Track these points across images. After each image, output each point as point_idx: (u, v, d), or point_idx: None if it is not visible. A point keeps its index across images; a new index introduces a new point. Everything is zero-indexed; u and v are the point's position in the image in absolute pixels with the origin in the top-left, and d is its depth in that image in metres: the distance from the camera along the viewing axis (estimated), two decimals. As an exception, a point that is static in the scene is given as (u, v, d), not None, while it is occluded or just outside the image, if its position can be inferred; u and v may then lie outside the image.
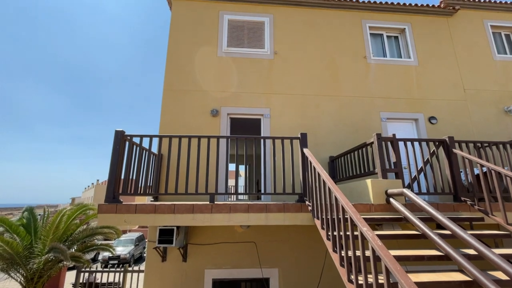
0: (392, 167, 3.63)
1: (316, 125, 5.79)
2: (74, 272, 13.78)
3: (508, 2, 7.23)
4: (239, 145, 8.45)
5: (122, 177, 3.43)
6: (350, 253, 2.18)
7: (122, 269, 5.84)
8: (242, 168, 12.14)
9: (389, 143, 3.76)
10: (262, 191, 3.93)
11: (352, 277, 2.09)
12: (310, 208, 3.19)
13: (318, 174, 2.84)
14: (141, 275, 6.05)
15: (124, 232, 22.23)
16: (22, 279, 8.61)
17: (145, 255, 20.37)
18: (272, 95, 5.95)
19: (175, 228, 4.23)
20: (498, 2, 7.19)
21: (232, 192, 5.48)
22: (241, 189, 10.21)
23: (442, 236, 2.37)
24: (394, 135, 3.68)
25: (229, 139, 3.69)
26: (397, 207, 2.96)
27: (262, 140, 4.54)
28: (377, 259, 1.76)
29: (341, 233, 2.29)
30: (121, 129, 3.47)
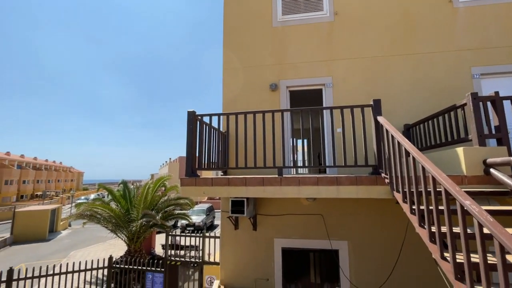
0: (493, 132, 3.02)
1: (386, 91, 5.17)
2: (161, 235, 16.40)
3: None
4: (296, 119, 8.25)
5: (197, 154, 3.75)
6: (443, 229, 1.95)
7: (201, 235, 6.63)
8: (300, 143, 12.02)
9: (488, 103, 3.11)
10: (326, 164, 3.80)
11: (447, 254, 1.89)
12: (387, 180, 2.95)
13: (398, 143, 2.56)
14: (217, 240, 6.78)
15: (196, 203, 24.97)
16: (126, 238, 10.66)
17: (215, 223, 22.75)
18: (334, 61, 5.50)
19: (245, 199, 4.52)
20: None
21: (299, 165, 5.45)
22: (301, 164, 10.12)
23: None
24: (497, 92, 3.01)
25: (292, 113, 3.60)
26: (502, 179, 2.49)
27: (326, 111, 4.31)
28: (485, 236, 1.52)
29: (430, 207, 2.06)
30: (192, 110, 3.73)
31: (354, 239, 4.75)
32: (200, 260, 6.57)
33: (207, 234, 6.67)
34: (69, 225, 23.52)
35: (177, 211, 12.02)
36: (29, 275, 6.56)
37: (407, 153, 2.39)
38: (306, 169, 9.67)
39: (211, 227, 20.66)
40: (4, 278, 6.29)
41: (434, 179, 1.98)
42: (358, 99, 5.06)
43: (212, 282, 6.34)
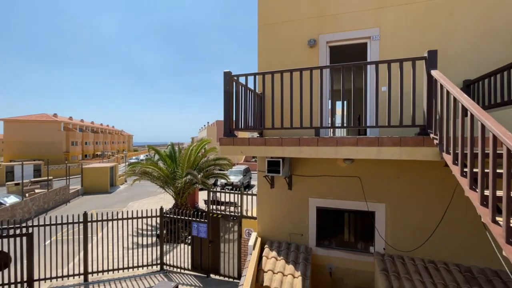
0: None
1: (446, 42, 4.46)
2: (203, 192, 17.94)
3: None
4: (336, 79, 7.70)
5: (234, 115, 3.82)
6: (499, 193, 1.80)
7: (239, 192, 7.10)
8: (339, 106, 11.40)
9: None
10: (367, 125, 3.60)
11: (499, 219, 1.77)
12: (436, 141, 2.72)
13: (455, 99, 2.28)
14: (254, 198, 7.22)
15: (233, 165, 26.26)
16: (173, 193, 11.89)
17: (252, 183, 23.91)
18: (382, 10, 4.83)
19: (281, 160, 4.62)
20: None
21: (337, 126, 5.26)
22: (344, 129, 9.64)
23: None
24: None
25: (332, 70, 3.37)
26: None
27: (370, 68, 3.97)
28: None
29: (486, 170, 1.88)
30: (228, 70, 3.71)
31: (392, 202, 4.66)
32: (239, 214, 7.13)
33: (245, 192, 7.11)
34: (125, 181, 26.88)
35: (216, 171, 12.88)
36: (99, 220, 7.85)
37: (464, 110, 2.13)
38: (344, 132, 9.33)
39: (248, 186, 21.86)
40: (81, 219, 7.64)
41: (495, 138, 1.77)
42: (408, 53, 4.50)
43: (250, 234, 6.93)
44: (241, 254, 7.16)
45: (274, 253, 5.03)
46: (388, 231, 4.70)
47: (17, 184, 20.12)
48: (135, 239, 10.09)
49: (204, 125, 60.53)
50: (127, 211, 8.69)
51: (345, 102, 3.86)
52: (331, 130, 5.57)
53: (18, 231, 7.09)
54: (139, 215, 9.23)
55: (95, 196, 20.93)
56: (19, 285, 6.98)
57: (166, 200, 17.21)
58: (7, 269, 6.91)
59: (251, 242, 5.15)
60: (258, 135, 5.22)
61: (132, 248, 9.05)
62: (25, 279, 7.01)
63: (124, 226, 9.28)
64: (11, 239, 7.04)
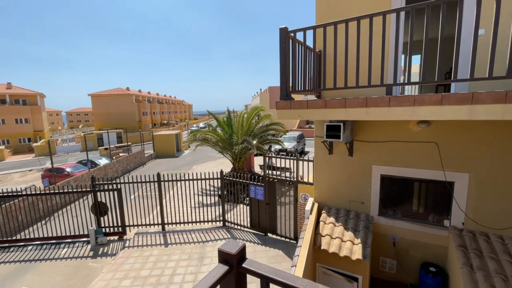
0: None
1: None
2: (258, 157, 18.55)
3: None
4: (417, 26, 6.37)
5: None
6: None
7: (295, 158, 7.02)
8: (415, 61, 9.73)
9: None
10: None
11: None
12: None
13: None
14: (309, 164, 7.07)
15: (287, 131, 26.09)
16: (231, 158, 12.57)
17: (306, 150, 23.62)
18: None
19: (341, 124, 4.26)
20: None
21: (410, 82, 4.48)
22: (415, 88, 8.28)
23: None
24: None
25: (413, 11, 2.72)
26: None
27: (467, 4, 3.15)
28: None
29: None
30: (284, 26, 3.39)
31: (479, 172, 3.94)
32: (295, 179, 7.14)
33: (300, 158, 7.00)
34: (189, 146, 29.60)
35: (270, 137, 12.98)
36: (170, 180, 8.91)
37: None
38: (416, 90, 8.05)
39: (302, 153, 21.66)
40: (156, 179, 8.79)
41: None
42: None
43: (306, 199, 6.95)
44: (297, 217, 7.32)
45: (332, 219, 4.95)
46: (471, 205, 4.08)
47: (106, 149, 24.17)
48: (199, 198, 11.27)
49: (257, 92, 60.57)
50: (192, 173, 9.63)
51: (422, 56, 3.17)
52: (401, 89, 4.83)
53: (111, 187, 8.61)
54: (203, 177, 10.16)
55: (164, 159, 23.77)
56: (115, 228, 8.67)
57: (225, 164, 18.46)
58: (106, 216, 8.61)
59: (308, 207, 5.15)
60: (316, 98, 4.88)
61: (198, 206, 10.17)
62: (119, 224, 8.65)
63: (190, 186, 10.40)
64: (106, 193, 8.63)
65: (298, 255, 3.84)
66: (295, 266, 3.62)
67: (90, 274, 6.76)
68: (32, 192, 8.77)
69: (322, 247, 4.41)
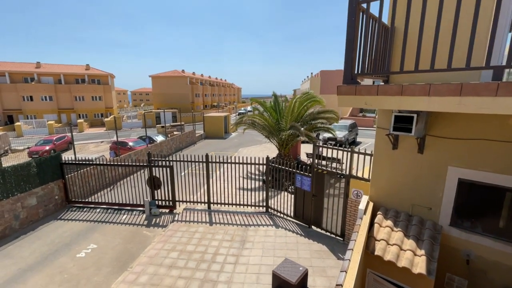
0: None
1: None
2: (304, 145, 17.92)
3: None
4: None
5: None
6: None
7: (349, 149, 6.38)
8: None
9: None
10: None
11: None
12: None
13: None
14: (364, 157, 6.38)
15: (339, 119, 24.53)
16: (277, 144, 12.30)
17: (357, 140, 22.04)
18: None
19: (415, 115, 3.57)
20: None
21: None
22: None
23: None
24: None
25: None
26: None
27: None
28: None
29: None
30: (355, -6, 2.83)
31: None
32: (347, 173, 6.55)
33: (356, 150, 6.32)
34: (236, 129, 30.27)
35: (320, 125, 12.24)
36: (218, 162, 9.11)
37: None
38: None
39: (353, 143, 20.19)
40: (204, 160, 9.08)
41: None
42: None
43: (359, 195, 6.34)
44: (346, 214, 6.79)
45: (389, 222, 4.36)
46: None
47: (162, 127, 26.20)
48: (244, 181, 11.40)
49: (308, 76, 58.10)
50: (239, 157, 9.68)
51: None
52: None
53: (164, 163, 9.22)
54: (249, 161, 10.17)
55: (213, 140, 24.78)
56: (167, 202, 9.36)
57: (270, 150, 18.34)
58: (159, 190, 9.31)
59: (361, 206, 4.62)
60: (383, 83, 4.19)
61: (242, 189, 10.29)
62: (170, 198, 9.30)
63: (236, 169, 10.56)
64: (161, 168, 9.28)
65: (350, 260, 3.46)
66: (346, 271, 3.25)
67: (144, 241, 7.45)
68: (102, 162, 9.96)
69: (376, 253, 3.92)
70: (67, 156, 10.91)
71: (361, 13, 2.94)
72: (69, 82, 40.10)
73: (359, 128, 22.77)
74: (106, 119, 35.57)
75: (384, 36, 3.46)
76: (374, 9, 2.97)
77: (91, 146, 23.14)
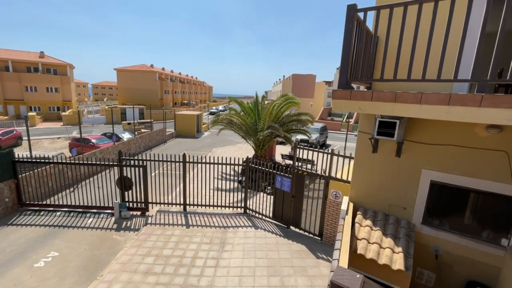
0: None
1: None
2: (279, 146, 18.19)
3: None
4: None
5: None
6: None
7: (329, 152, 6.62)
8: None
9: None
10: None
11: None
12: None
13: None
14: (342, 159, 6.67)
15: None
16: (253, 144, 12.32)
17: (327, 143, 22.93)
18: None
19: (398, 121, 3.83)
20: None
21: None
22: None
23: None
24: None
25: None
26: None
27: None
28: None
29: None
30: (353, 3, 2.94)
31: (560, 191, 3.41)
32: (327, 175, 6.78)
33: (336, 152, 6.57)
34: (208, 129, 29.68)
35: (295, 127, 12.54)
36: (195, 162, 8.81)
37: None
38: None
39: (323, 145, 21.06)
40: (181, 160, 8.72)
41: None
42: None
43: (338, 196, 6.60)
44: (324, 214, 7.02)
45: (368, 222, 4.60)
46: (542, 226, 3.57)
47: (129, 123, 24.69)
48: (219, 181, 11.20)
49: (280, 79, 59.23)
50: (214, 156, 9.46)
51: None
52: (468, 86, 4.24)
53: (137, 163, 8.65)
54: (223, 161, 10.02)
55: (185, 139, 24.00)
56: (138, 204, 8.80)
57: (245, 150, 18.30)
58: (130, 191, 8.72)
59: (343, 207, 4.81)
60: (366, 89, 4.41)
61: (218, 189, 10.10)
62: (142, 200, 8.76)
63: (211, 169, 10.33)
64: (132, 168, 8.68)
65: (338, 260, 3.56)
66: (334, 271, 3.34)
67: (114, 246, 6.91)
68: (62, 161, 9.02)
69: (358, 251, 4.10)
70: (19, 153, 9.72)
71: (356, 22, 3.06)
72: (19, 70, 35.87)
73: (329, 131, 23.82)
74: (63, 113, 32.48)
75: (369, 45, 3.64)
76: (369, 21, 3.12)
77: (46, 142, 20.92)
